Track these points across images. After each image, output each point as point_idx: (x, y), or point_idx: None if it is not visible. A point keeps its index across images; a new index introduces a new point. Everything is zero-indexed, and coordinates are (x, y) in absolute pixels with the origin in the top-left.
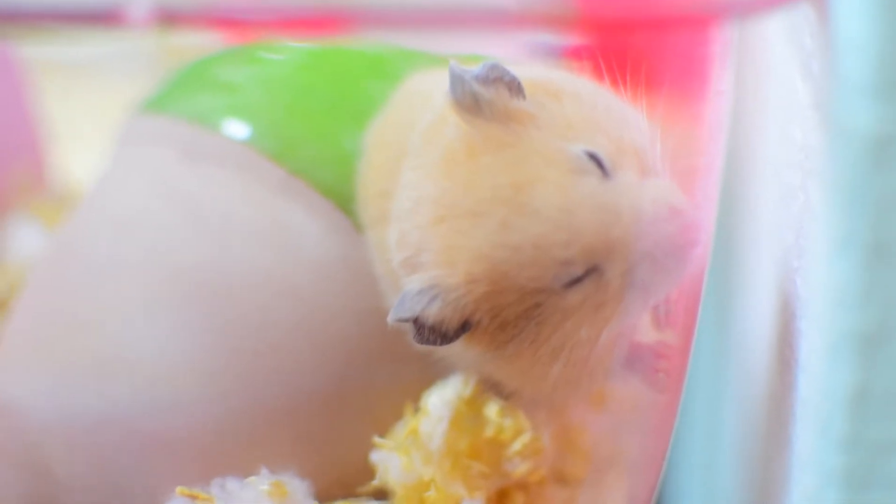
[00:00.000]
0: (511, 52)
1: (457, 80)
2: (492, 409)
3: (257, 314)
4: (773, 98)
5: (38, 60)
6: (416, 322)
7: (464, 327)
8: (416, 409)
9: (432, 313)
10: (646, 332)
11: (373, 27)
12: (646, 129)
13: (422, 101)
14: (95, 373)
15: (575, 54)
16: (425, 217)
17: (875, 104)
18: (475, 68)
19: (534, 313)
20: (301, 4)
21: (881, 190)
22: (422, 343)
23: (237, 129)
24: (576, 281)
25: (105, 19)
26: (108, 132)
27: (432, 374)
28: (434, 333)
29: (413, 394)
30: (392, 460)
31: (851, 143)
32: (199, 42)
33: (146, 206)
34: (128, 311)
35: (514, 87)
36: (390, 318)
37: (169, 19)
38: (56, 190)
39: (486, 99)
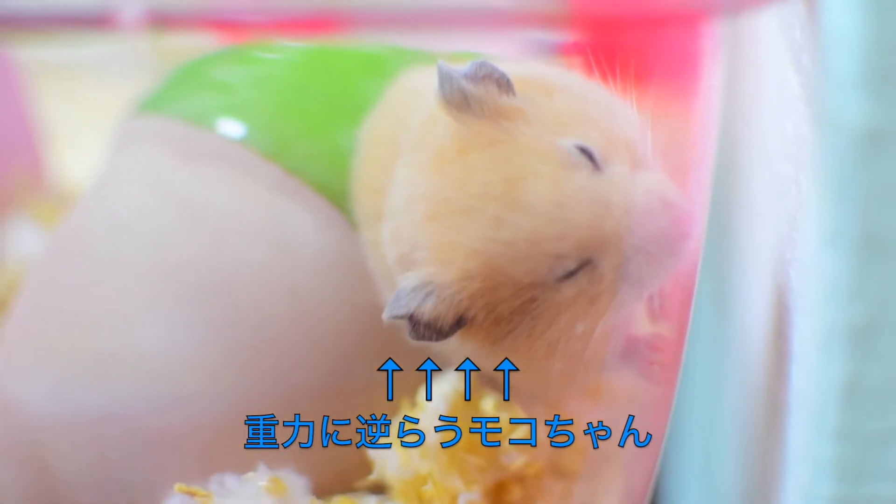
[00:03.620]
0: (505, 49)
1: (445, 79)
2: (488, 403)
3: (255, 310)
4: (767, 91)
5: (35, 62)
6: (412, 319)
7: (459, 323)
8: (413, 404)
9: (427, 310)
10: (640, 324)
11: (367, 27)
12: (636, 122)
13: (414, 99)
14: (95, 370)
15: (568, 51)
16: (419, 214)
17: (863, 98)
18: (464, 66)
19: (529, 308)
20: (294, 5)
21: (870, 183)
22: (417, 339)
23: (232, 128)
24: (570, 275)
25: (98, 22)
26: (104, 133)
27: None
28: (429, 330)
29: (409, 388)
30: (389, 455)
31: (840, 136)
32: (194, 43)
33: (143, 205)
34: (126, 309)
35: (504, 84)
36: (386, 315)
37: (161, 22)
38: (54, 190)
39: (475, 96)
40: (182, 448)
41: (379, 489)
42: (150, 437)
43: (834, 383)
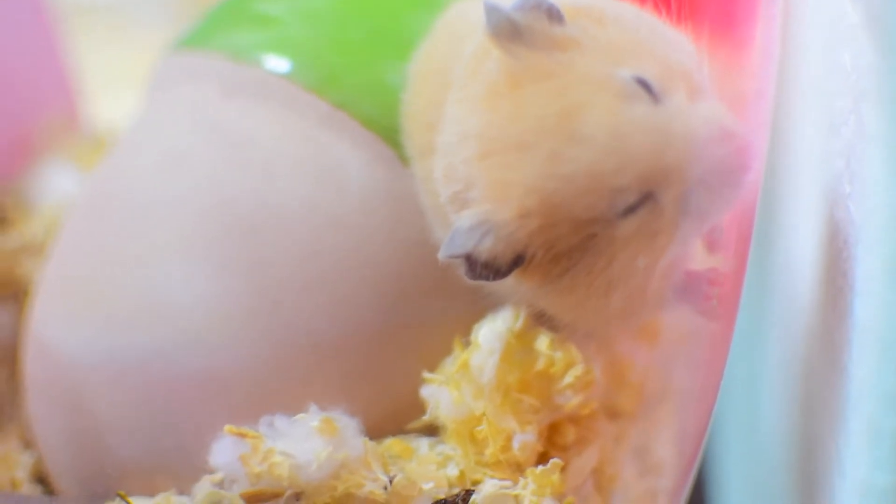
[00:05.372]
0: None
1: (492, 11)
2: (543, 342)
3: (303, 247)
4: (817, 23)
5: (69, 3)
6: (469, 258)
7: (517, 261)
8: (467, 343)
9: (485, 249)
10: (697, 259)
11: None
12: (692, 52)
13: (464, 32)
14: (140, 312)
15: None
16: (472, 152)
17: None
18: None
19: (588, 244)
20: None
21: None
22: (474, 279)
23: (278, 62)
24: (630, 209)
25: None
26: (140, 74)
27: (482, 308)
28: (487, 269)
29: (463, 327)
30: (442, 395)
31: None
32: None
33: (188, 143)
34: (172, 250)
35: (554, 14)
36: (441, 255)
37: None
38: (90, 133)
39: (525, 27)
40: (230, 390)
41: (432, 430)
42: (196, 378)
43: None
